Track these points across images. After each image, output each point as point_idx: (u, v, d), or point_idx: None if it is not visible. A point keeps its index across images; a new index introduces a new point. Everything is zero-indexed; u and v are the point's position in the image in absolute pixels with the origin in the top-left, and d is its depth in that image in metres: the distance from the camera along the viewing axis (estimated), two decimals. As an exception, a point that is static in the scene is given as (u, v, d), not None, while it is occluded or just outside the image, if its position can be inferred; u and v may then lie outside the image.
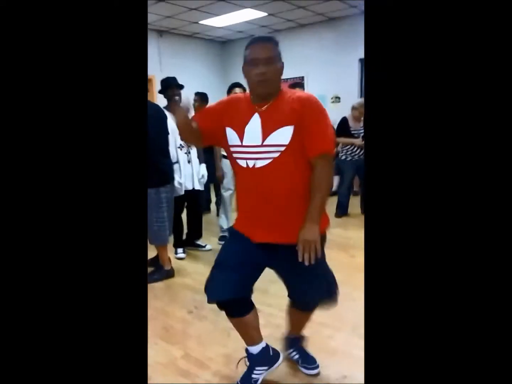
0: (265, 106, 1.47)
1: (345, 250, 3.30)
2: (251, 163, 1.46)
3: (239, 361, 1.70)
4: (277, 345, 1.88)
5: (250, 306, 1.62)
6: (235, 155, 1.52)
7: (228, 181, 3.49)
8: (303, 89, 4.09)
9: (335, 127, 4.75)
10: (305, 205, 1.43)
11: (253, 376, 1.65)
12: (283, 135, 1.42)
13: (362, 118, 4.29)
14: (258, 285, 3.00)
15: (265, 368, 1.66)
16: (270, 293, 2.51)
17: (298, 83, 5.34)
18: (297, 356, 1.81)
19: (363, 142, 4.15)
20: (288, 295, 1.68)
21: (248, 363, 1.66)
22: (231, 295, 1.52)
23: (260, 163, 1.44)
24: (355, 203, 4.62)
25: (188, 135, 1.59)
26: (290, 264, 1.48)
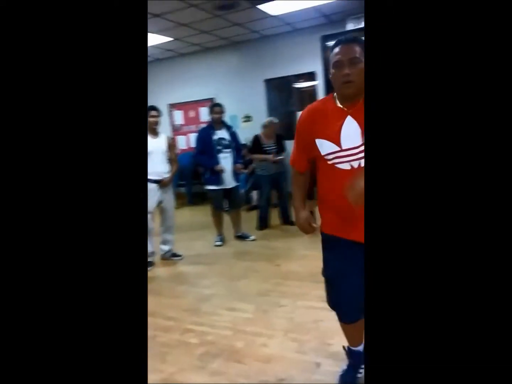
0: (355, 106, 1.44)
1: (271, 260, 3.44)
2: (355, 164, 1.44)
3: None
4: (214, 362, 1.91)
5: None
6: (334, 160, 1.48)
7: (148, 203, 3.45)
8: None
9: (248, 144, 4.98)
10: None
11: (358, 375, 1.69)
12: None
13: (274, 135, 4.54)
14: (189, 305, 2.98)
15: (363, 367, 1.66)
16: (201, 311, 2.55)
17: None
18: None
19: (276, 158, 4.41)
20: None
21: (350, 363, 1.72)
22: (361, 313, 1.45)
23: (363, 162, 1.42)
24: (274, 216, 4.82)
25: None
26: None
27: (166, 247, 3.81)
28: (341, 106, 1.47)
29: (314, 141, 1.51)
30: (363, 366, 1.68)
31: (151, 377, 1.86)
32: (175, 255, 3.82)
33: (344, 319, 1.63)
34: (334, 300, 1.61)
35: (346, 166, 1.46)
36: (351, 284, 1.48)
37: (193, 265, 3.63)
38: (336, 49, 1.45)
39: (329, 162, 1.50)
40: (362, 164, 1.43)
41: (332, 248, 1.58)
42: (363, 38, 1.31)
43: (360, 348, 1.70)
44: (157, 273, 3.52)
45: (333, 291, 1.60)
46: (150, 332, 2.29)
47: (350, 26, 5.43)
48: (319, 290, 2.54)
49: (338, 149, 1.46)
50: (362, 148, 1.42)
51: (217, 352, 2.02)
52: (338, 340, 1.94)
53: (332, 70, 1.46)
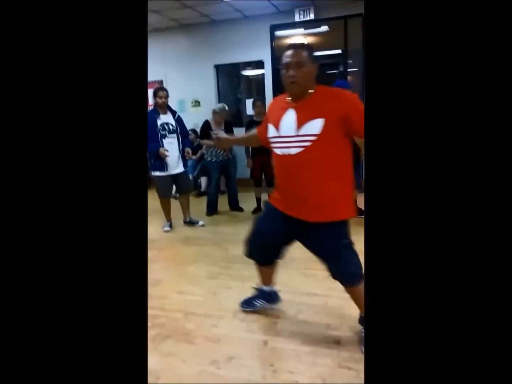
0: (300, 102, 1.71)
1: (219, 245, 3.51)
2: (286, 151, 1.72)
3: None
4: (166, 343, 1.98)
5: (276, 261, 2.10)
6: (273, 145, 1.80)
7: None
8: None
9: (198, 130, 4.94)
10: (325, 191, 1.69)
11: (255, 302, 2.24)
12: (315, 126, 1.64)
13: (223, 121, 4.51)
14: None
15: (265, 302, 2.21)
16: (151, 295, 2.57)
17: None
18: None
19: None
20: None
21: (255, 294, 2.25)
22: (264, 260, 2.08)
23: (293, 151, 1.69)
24: (223, 201, 4.86)
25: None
26: (311, 240, 1.80)
27: None
28: (289, 100, 1.77)
29: (267, 125, 1.87)
30: (261, 301, 2.24)
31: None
32: None
33: (262, 261, 2.11)
34: (255, 248, 2.05)
35: (280, 152, 1.76)
36: (272, 237, 1.93)
37: None
38: (287, 53, 1.70)
39: (271, 145, 1.83)
40: (291, 153, 1.71)
41: (269, 211, 1.97)
42: (310, 45, 1.83)
43: (265, 288, 2.22)
44: None
45: (255, 241, 2.03)
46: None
47: (297, 17, 5.55)
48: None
49: (277, 134, 1.77)
50: (295, 139, 1.70)
51: (168, 333, 2.07)
52: (283, 318, 2.10)
53: (282, 71, 1.73)
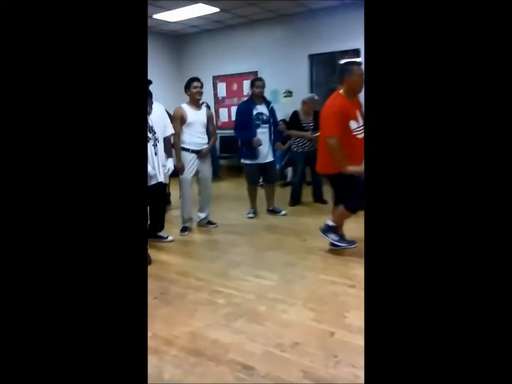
0: (355, 101, 2.91)
1: (298, 235, 3.56)
2: (361, 136, 2.81)
3: None
4: (237, 322, 2.09)
5: None
6: (356, 133, 2.80)
7: (187, 172, 3.66)
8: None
9: (288, 120, 4.96)
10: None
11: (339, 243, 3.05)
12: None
13: (312, 112, 4.50)
14: (219, 269, 3.12)
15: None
16: (230, 276, 2.73)
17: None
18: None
19: (313, 135, 4.35)
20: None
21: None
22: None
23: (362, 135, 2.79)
24: (307, 193, 4.86)
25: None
26: None
27: (202, 215, 3.99)
28: (349, 100, 2.84)
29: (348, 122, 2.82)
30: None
31: (181, 329, 2.07)
32: (210, 222, 4.00)
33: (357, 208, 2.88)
34: (360, 199, 2.48)
35: (361, 136, 2.80)
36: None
37: (226, 234, 3.81)
38: (361, 66, 2.84)
39: (354, 134, 2.80)
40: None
41: (353, 177, 2.81)
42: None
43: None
44: (192, 238, 3.75)
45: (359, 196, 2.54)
46: (182, 290, 2.53)
47: None
48: (341, 266, 2.78)
49: (358, 125, 2.82)
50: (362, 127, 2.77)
51: (240, 313, 2.18)
52: (353, 313, 2.08)
53: (360, 77, 2.78)
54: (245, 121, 4.03)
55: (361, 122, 2.78)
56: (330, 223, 3.05)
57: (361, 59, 5.85)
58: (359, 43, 5.71)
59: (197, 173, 3.77)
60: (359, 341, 1.87)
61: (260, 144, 3.98)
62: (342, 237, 3.11)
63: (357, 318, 1.99)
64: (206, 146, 3.75)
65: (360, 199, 2.56)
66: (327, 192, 4.75)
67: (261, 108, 4.05)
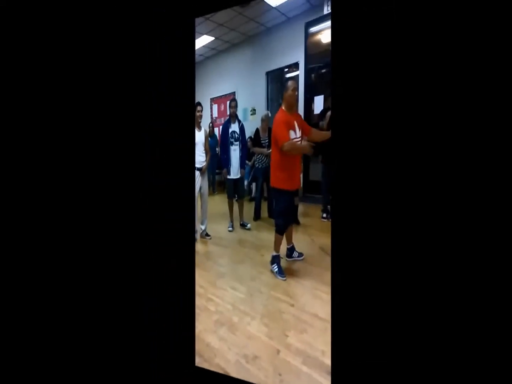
0: (295, 115, 3.17)
1: (257, 250, 3.99)
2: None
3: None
4: (221, 329, 2.34)
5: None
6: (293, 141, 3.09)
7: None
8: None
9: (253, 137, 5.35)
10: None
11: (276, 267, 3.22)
12: (299, 130, 3.19)
13: (267, 128, 4.90)
14: (211, 278, 3.40)
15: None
16: (217, 285, 3.09)
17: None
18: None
19: (269, 151, 4.58)
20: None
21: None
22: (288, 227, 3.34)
23: None
24: (263, 208, 5.26)
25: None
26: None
27: (203, 227, 4.46)
28: (289, 113, 3.09)
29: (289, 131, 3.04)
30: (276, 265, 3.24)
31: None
32: (207, 234, 4.51)
33: (284, 230, 3.26)
34: (286, 222, 3.20)
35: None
36: (291, 212, 3.33)
37: (216, 246, 4.27)
38: (293, 82, 3.11)
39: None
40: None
41: (284, 194, 3.19)
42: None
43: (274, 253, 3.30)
44: (196, 248, 4.20)
45: (284, 216, 3.17)
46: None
47: (326, 9, 5.64)
48: (284, 283, 3.11)
49: (296, 136, 3.07)
50: (299, 138, 3.08)
51: (223, 321, 2.46)
52: (293, 333, 2.30)
53: (294, 92, 3.09)
54: (223, 139, 4.55)
55: (298, 133, 3.09)
56: (274, 253, 3.36)
57: (298, 72, 6.20)
58: (298, 56, 6.18)
59: (200, 188, 4.24)
60: (297, 362, 2.00)
61: (227, 176, 4.48)
62: (291, 252, 3.61)
63: (295, 338, 2.20)
64: (204, 163, 4.22)
65: (286, 218, 3.22)
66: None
67: (234, 127, 4.58)
